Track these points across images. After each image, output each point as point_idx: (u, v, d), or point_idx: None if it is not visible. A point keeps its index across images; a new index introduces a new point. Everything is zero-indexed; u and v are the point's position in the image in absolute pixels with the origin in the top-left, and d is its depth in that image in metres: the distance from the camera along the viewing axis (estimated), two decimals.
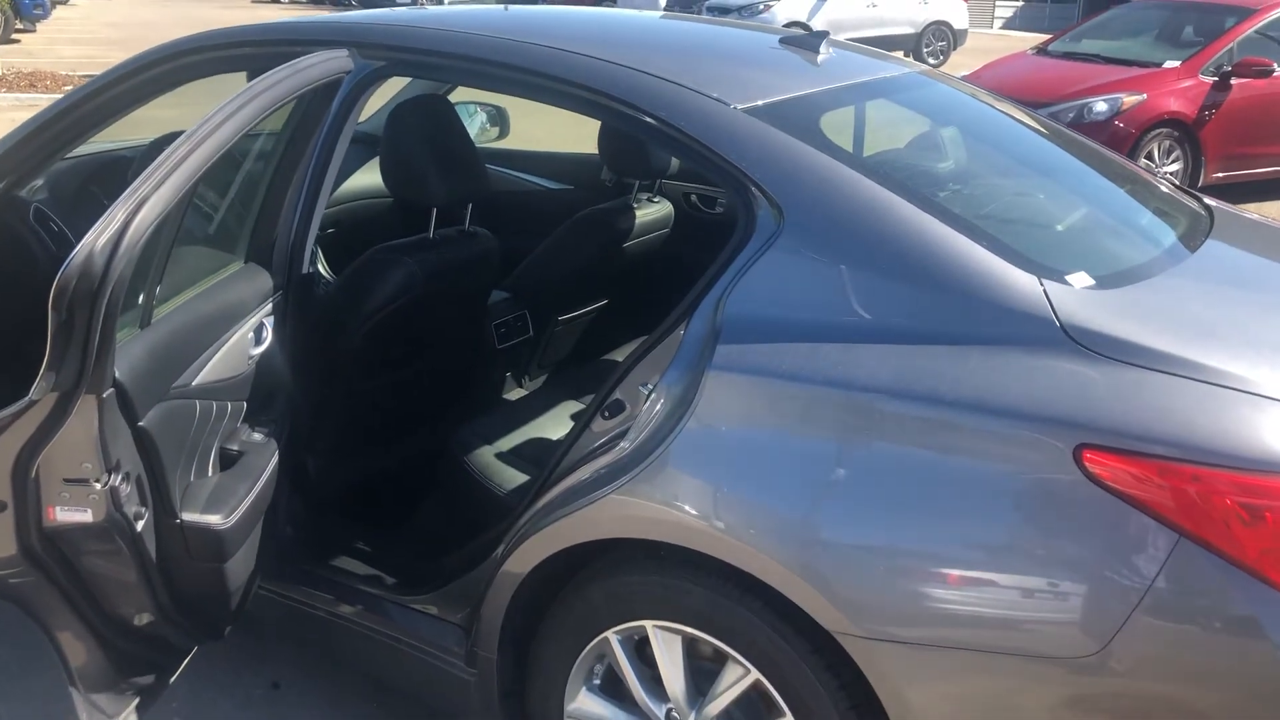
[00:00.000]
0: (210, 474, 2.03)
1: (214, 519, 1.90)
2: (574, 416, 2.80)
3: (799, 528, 1.79)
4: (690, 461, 1.89)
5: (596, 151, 3.55)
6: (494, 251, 2.76)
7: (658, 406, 1.94)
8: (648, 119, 2.09)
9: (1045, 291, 1.79)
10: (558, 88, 2.19)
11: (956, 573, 1.70)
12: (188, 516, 1.89)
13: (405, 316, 2.55)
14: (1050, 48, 9.55)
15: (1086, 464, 1.62)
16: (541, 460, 2.54)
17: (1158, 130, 7.90)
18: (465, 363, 2.96)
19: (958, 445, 1.71)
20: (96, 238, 1.60)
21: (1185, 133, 8.02)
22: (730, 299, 1.92)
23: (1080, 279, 1.88)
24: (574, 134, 4.27)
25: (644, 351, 2.05)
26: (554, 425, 2.74)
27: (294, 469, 2.36)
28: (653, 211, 3.32)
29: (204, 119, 1.79)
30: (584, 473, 2.04)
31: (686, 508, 1.87)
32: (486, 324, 3.02)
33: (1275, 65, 8.14)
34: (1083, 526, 1.64)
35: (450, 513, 2.62)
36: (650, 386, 2.00)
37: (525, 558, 2.07)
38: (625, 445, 1.98)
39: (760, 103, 2.12)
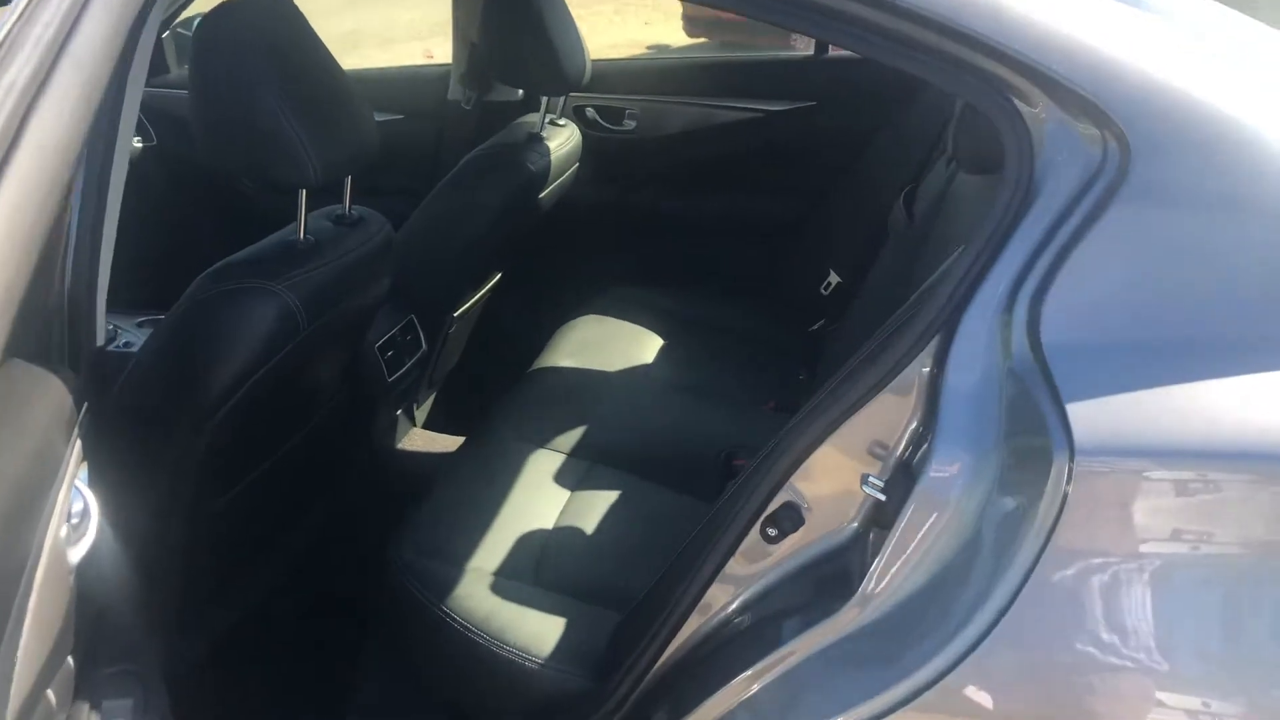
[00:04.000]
0: None
1: None
2: (561, 479, 1.80)
3: None
4: (1054, 645, 0.98)
5: (429, 61, 2.50)
6: (389, 244, 1.69)
7: (927, 525, 1.03)
8: None
9: None
10: None
11: None
12: None
13: (277, 379, 1.47)
14: None
15: None
16: (585, 586, 1.57)
17: None
18: (356, 421, 1.89)
19: None
20: None
21: None
22: (1050, 312, 1.01)
23: None
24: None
25: (836, 410, 1.12)
26: (546, 504, 1.74)
27: None
28: (564, 140, 2.29)
29: None
30: (772, 663, 1.11)
31: None
32: (373, 352, 1.94)
33: None
34: None
35: (441, 701, 1.59)
36: (881, 482, 1.08)
37: None
38: (859, 602, 1.06)
39: None
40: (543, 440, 1.89)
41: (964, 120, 1.31)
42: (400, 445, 2.20)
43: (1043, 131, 1.05)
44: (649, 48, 7.76)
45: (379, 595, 1.62)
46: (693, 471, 1.87)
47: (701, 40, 7.52)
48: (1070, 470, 0.94)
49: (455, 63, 2.53)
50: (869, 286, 2.05)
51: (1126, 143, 1.01)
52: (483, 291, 2.36)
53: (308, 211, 1.54)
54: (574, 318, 2.37)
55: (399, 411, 2.15)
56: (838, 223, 2.48)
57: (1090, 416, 0.95)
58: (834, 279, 2.44)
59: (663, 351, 2.26)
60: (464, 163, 2.14)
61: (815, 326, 2.24)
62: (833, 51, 2.47)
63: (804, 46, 2.60)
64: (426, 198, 2.13)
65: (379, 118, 2.71)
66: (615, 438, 1.91)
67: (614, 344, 2.26)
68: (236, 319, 1.39)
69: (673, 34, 7.82)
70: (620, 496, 1.77)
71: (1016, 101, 1.06)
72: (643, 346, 2.26)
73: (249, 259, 1.48)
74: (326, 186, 1.46)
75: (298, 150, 1.38)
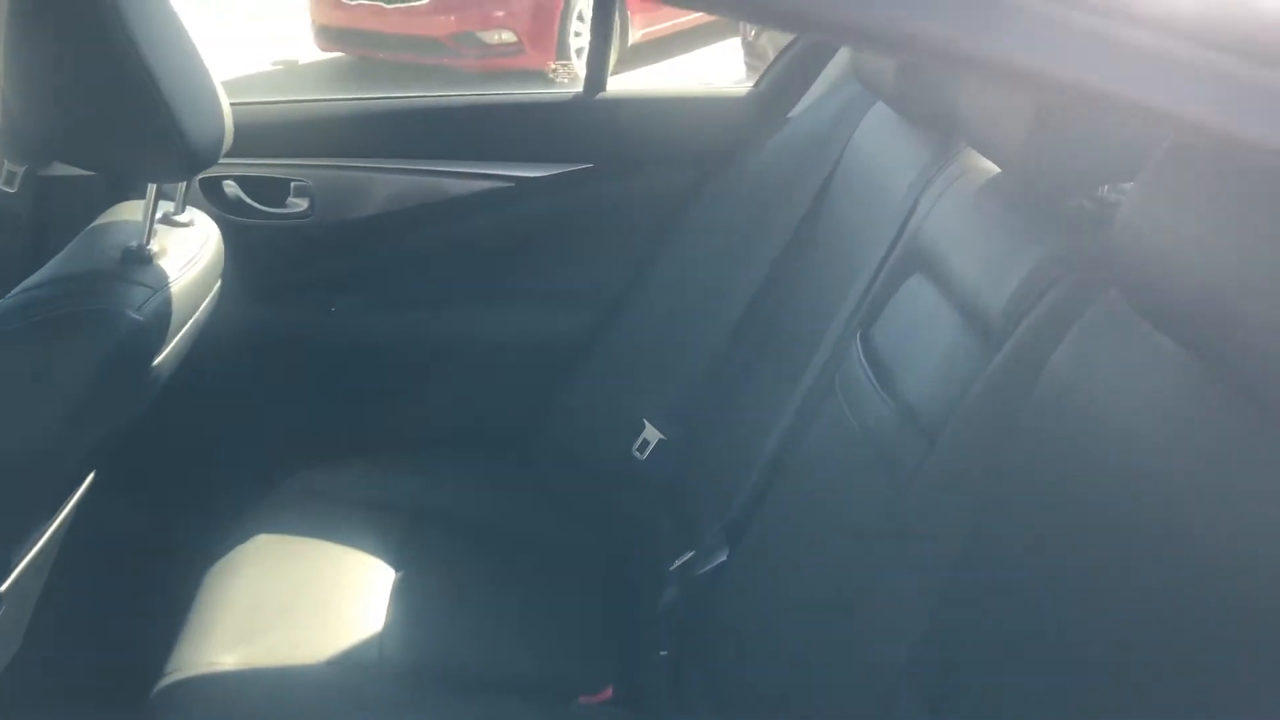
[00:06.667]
0: None
1: None
2: None
3: None
4: None
5: None
6: None
7: None
8: None
9: None
10: None
11: None
12: None
13: None
14: None
15: None
16: None
17: None
18: None
19: None
20: None
21: None
22: None
23: None
24: None
25: None
26: None
27: None
28: (193, 251, 1.30)
29: None
30: None
31: None
32: None
33: None
34: None
35: None
36: None
37: None
38: None
39: None
40: None
41: None
42: None
43: None
44: (274, 63, 6.29)
45: None
46: None
47: (336, 55, 6.20)
48: None
49: None
50: (798, 501, 1.24)
51: None
52: (63, 513, 1.33)
53: None
54: (235, 542, 1.40)
55: None
56: (646, 347, 1.66)
57: None
58: (652, 434, 1.61)
59: (396, 598, 1.34)
60: (5, 310, 1.12)
61: (681, 561, 1.38)
62: (611, 88, 1.64)
63: (568, 78, 1.74)
64: None
65: None
66: None
67: (307, 594, 1.32)
68: None
69: (301, 45, 6.34)
70: None
71: None
72: (359, 593, 1.33)
73: None
74: None
75: None
